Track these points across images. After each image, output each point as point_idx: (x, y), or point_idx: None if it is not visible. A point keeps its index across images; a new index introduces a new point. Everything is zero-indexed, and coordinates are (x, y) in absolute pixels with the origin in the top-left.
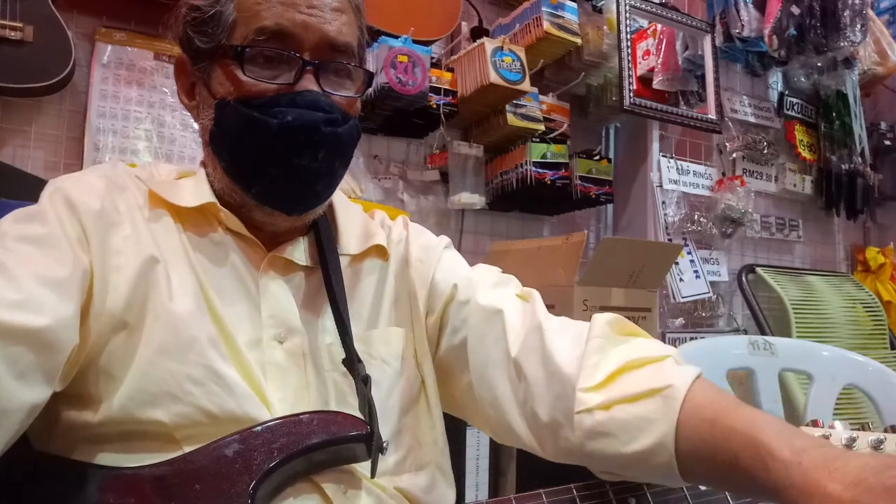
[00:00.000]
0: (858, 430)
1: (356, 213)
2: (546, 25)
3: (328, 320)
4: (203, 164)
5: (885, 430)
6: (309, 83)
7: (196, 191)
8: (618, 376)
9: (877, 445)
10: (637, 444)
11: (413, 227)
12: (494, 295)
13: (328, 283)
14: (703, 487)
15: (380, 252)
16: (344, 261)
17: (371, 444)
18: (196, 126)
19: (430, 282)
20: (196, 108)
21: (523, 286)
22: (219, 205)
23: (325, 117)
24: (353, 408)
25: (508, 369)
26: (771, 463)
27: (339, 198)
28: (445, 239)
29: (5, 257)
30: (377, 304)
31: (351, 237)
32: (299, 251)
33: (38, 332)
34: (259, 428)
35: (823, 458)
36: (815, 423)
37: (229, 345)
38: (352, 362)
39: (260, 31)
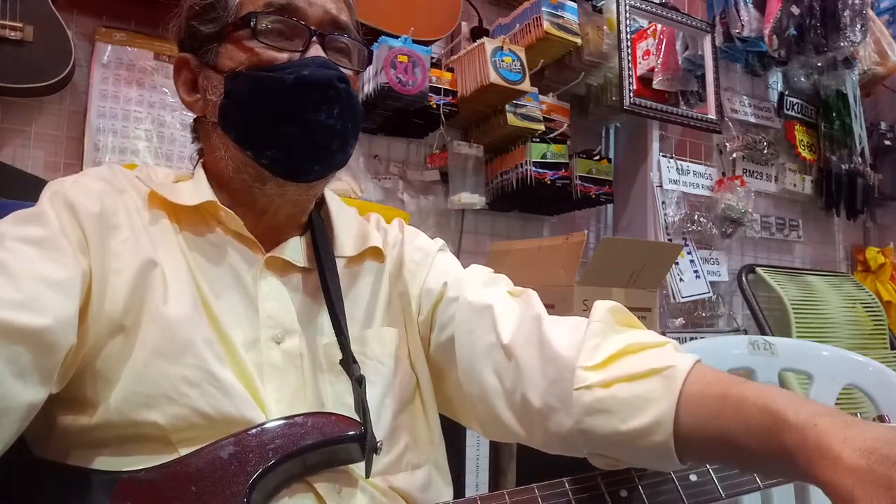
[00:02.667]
0: None
1: (351, 216)
2: (546, 25)
3: (325, 321)
4: (203, 163)
5: (874, 419)
6: (317, 51)
7: (195, 191)
8: (618, 358)
9: None
10: (635, 421)
11: (408, 230)
12: (484, 292)
13: (325, 284)
14: (693, 478)
15: (375, 254)
16: (340, 262)
17: (365, 445)
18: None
19: (422, 282)
20: (200, 98)
21: (524, 286)
22: (218, 203)
23: (338, 74)
24: (349, 408)
25: (495, 360)
26: (785, 427)
27: (334, 200)
28: (440, 241)
29: (6, 257)
30: (372, 305)
31: (347, 239)
32: (297, 252)
33: (39, 332)
34: (254, 430)
35: (840, 424)
36: None
37: (226, 346)
38: (348, 363)
39: (268, 4)
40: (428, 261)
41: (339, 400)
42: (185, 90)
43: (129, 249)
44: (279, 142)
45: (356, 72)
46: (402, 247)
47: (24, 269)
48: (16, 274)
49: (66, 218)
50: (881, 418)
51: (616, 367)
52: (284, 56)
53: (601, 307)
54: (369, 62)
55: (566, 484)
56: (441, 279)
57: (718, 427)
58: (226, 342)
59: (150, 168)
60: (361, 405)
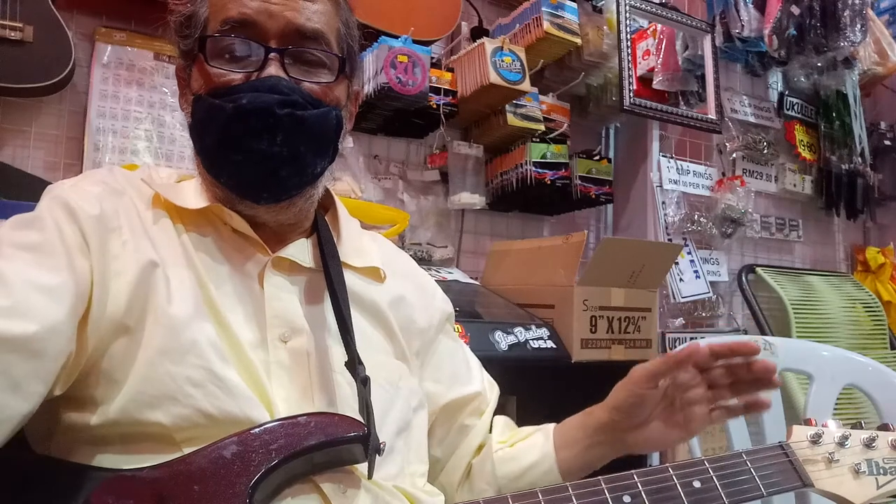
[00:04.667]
0: (851, 427)
1: (356, 226)
2: (546, 25)
3: (331, 322)
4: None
5: (878, 428)
6: (274, 70)
7: (198, 194)
8: (515, 433)
9: (869, 443)
10: (530, 458)
11: (430, 281)
12: (487, 428)
13: (331, 285)
14: (697, 485)
15: (375, 275)
16: (345, 269)
17: (368, 445)
18: None
19: (435, 349)
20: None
21: (524, 286)
22: (223, 206)
23: (280, 99)
24: (355, 409)
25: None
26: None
27: (341, 206)
28: (450, 306)
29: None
30: (377, 330)
31: (352, 249)
32: (303, 252)
33: (27, 340)
34: (257, 430)
35: None
36: (808, 422)
37: (232, 346)
38: (353, 364)
39: (225, 21)
40: (440, 326)
41: (346, 401)
42: (183, 99)
43: (129, 251)
44: (229, 168)
45: (331, 83)
46: (425, 296)
47: (17, 275)
48: (7, 279)
49: (65, 222)
50: (885, 426)
51: (514, 437)
52: (240, 77)
53: (501, 420)
54: (344, 67)
55: (569, 489)
56: (474, 383)
57: (581, 443)
58: (232, 342)
59: (153, 169)
60: (366, 406)
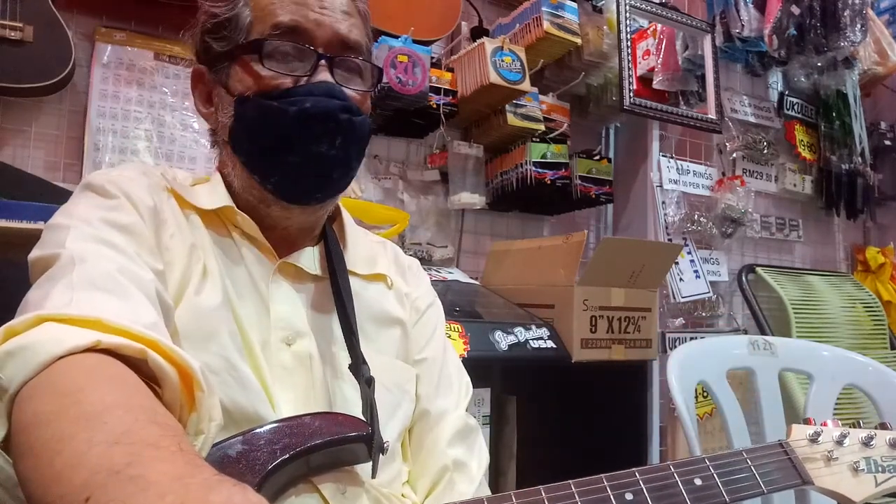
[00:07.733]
0: (850, 426)
1: (362, 234)
2: (546, 25)
3: (335, 326)
4: (219, 168)
5: (876, 427)
6: (324, 75)
7: (212, 195)
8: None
9: (867, 441)
10: None
11: (424, 276)
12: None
13: (336, 290)
14: (698, 482)
15: (383, 280)
16: (351, 277)
17: (372, 445)
18: (196, 127)
19: (424, 349)
20: (214, 113)
21: (524, 286)
22: (235, 208)
23: (341, 104)
24: (357, 411)
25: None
26: None
27: (347, 216)
28: (433, 293)
29: (110, 236)
30: (384, 333)
31: (358, 257)
32: (309, 260)
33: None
34: (262, 429)
35: None
36: (807, 421)
37: (246, 343)
38: (357, 366)
39: (276, 26)
40: (423, 312)
41: (348, 402)
42: (201, 102)
43: (176, 244)
44: (283, 169)
45: (367, 91)
46: (431, 305)
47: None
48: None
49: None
50: (883, 425)
51: None
52: (290, 81)
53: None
54: (380, 79)
55: (572, 486)
56: (446, 401)
57: None
58: (246, 339)
59: (173, 169)
60: (370, 406)
